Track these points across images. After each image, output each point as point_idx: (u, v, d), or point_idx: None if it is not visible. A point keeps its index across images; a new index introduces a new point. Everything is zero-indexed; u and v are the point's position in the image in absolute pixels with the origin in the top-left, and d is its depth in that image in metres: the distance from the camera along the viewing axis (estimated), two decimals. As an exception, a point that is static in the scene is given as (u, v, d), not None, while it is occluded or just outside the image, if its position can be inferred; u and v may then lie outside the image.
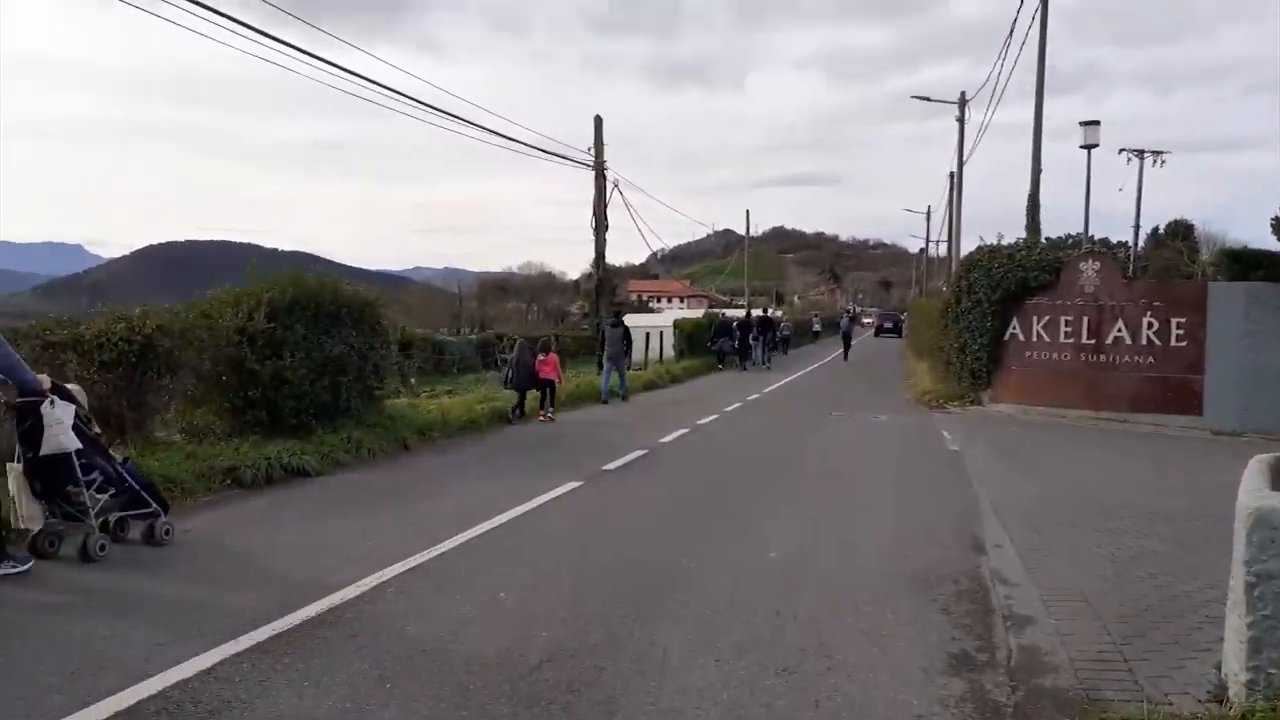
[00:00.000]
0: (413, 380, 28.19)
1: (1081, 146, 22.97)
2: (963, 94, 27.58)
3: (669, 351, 30.32)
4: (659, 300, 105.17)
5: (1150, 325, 16.28)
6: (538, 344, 16.82)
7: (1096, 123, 22.52)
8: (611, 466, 10.11)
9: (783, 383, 24.82)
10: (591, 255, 23.90)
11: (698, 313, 42.98)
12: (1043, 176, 19.09)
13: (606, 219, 23.20)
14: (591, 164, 22.91)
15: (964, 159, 30.77)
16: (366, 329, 12.38)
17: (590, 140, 23.13)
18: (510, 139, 20.25)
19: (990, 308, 17.35)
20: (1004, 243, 18.09)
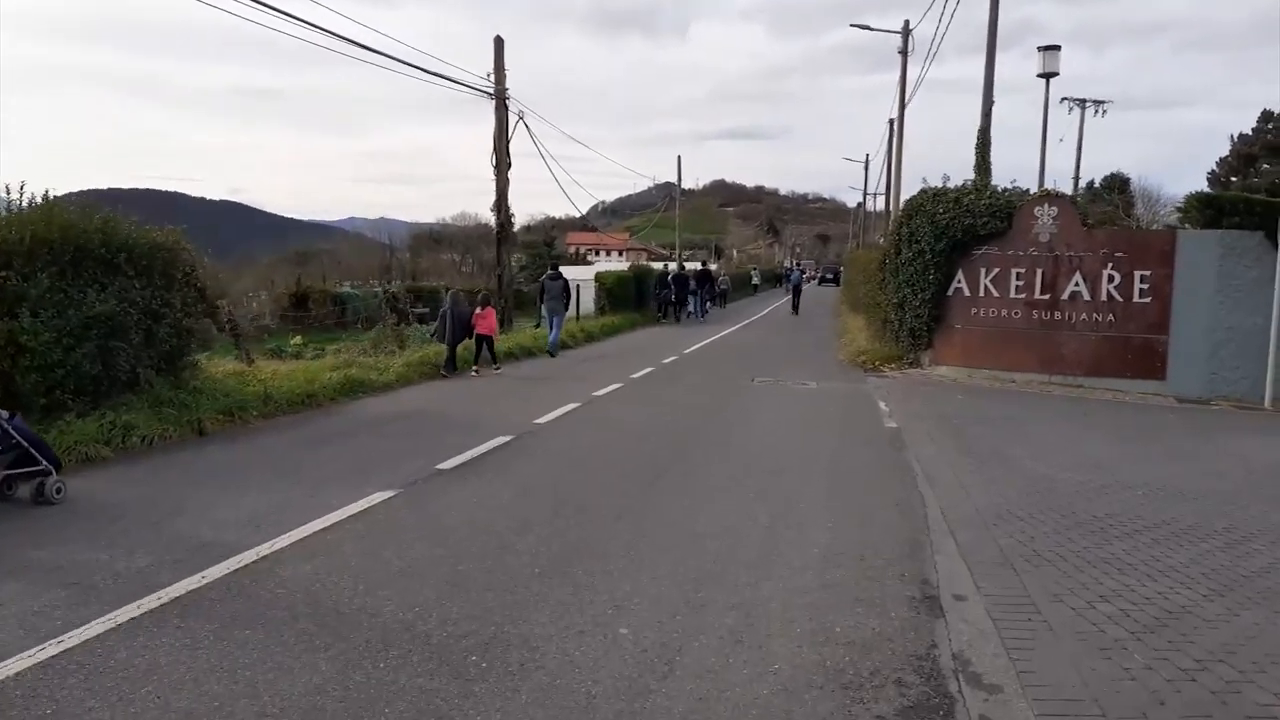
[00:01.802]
0: (297, 340, 25.28)
1: (1039, 75, 20.82)
2: (906, 23, 25.20)
3: (589, 307, 27.89)
4: (597, 253, 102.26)
5: (1111, 279, 14.37)
6: (479, 297, 16.07)
7: (1057, 48, 20.29)
8: (450, 464, 7.64)
9: (710, 340, 22.61)
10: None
11: (624, 266, 40.38)
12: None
13: (509, 155, 20.37)
14: (491, 91, 20.04)
15: (906, 100, 28.52)
16: (159, 280, 9.69)
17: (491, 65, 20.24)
18: (403, 62, 17.29)
19: (933, 259, 15.25)
20: (950, 185, 15.88)
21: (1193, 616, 4.56)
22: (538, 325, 20.45)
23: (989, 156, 16.51)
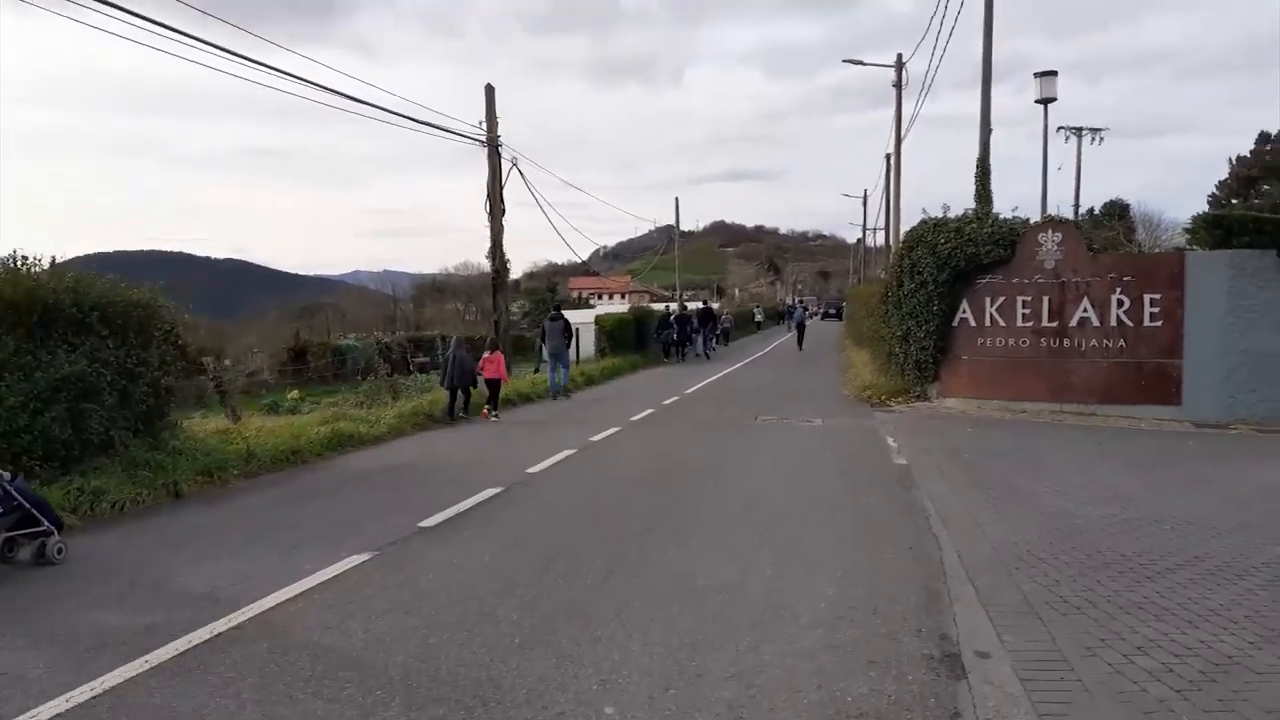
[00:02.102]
0: (294, 394, 24.93)
1: (1037, 101, 20.65)
2: (899, 56, 25.12)
3: (589, 350, 27.54)
4: (600, 297, 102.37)
5: (1120, 304, 14.00)
6: (488, 341, 16.29)
7: (1054, 73, 20.16)
8: (434, 521, 7.23)
9: (712, 379, 22.22)
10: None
11: (626, 308, 40.18)
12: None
13: (503, 202, 20.20)
14: (483, 139, 19.91)
15: (902, 134, 28.40)
16: (134, 338, 9.37)
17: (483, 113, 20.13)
18: (394, 113, 17.16)
19: (936, 289, 14.91)
20: (950, 215, 15.57)
21: (1242, 668, 4.11)
22: (537, 370, 20.10)
23: (989, 185, 16.22)
